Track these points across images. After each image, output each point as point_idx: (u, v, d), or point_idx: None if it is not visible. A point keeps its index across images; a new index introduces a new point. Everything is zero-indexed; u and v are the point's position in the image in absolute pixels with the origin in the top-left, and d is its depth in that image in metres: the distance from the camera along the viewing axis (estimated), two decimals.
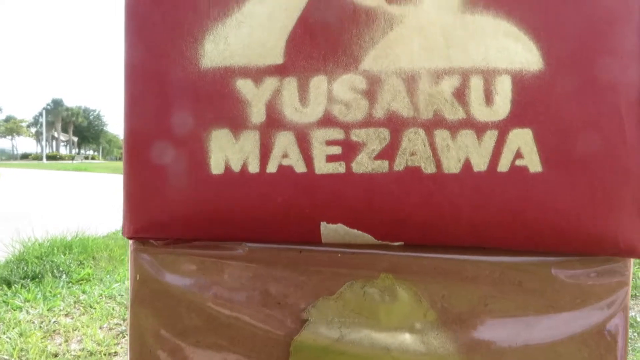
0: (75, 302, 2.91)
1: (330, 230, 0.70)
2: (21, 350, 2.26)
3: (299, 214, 0.70)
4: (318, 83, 0.69)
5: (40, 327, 2.53)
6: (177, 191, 0.71)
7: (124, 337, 2.45)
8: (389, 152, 0.68)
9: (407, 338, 0.72)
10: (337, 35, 0.69)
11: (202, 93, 0.70)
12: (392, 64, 0.68)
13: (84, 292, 3.08)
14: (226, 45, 0.69)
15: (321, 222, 0.70)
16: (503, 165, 0.68)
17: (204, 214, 0.71)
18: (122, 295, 3.01)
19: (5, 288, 3.07)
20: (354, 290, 0.73)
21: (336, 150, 0.69)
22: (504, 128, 0.67)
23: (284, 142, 0.69)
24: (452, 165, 0.68)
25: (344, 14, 0.68)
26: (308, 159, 0.69)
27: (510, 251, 0.72)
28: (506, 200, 0.68)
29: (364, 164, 0.69)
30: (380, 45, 0.68)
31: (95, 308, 2.82)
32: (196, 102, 0.70)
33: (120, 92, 0.73)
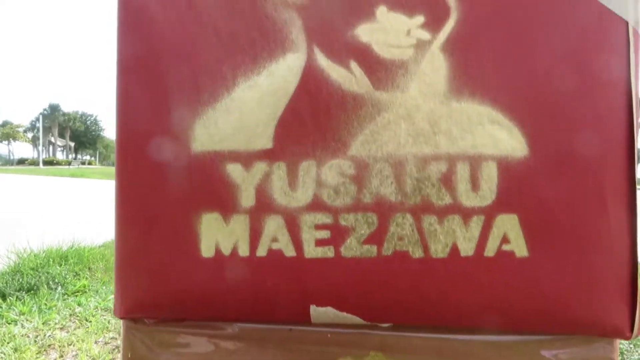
0: (70, 315, 2.89)
1: (319, 312, 0.71)
2: None
3: (288, 297, 0.71)
4: (307, 168, 0.70)
5: (35, 341, 2.52)
6: (169, 273, 0.72)
7: (119, 351, 2.44)
8: (377, 237, 0.69)
9: None
10: (326, 121, 0.69)
11: (193, 177, 0.70)
12: (380, 149, 0.69)
13: (79, 304, 3.05)
14: (216, 129, 0.70)
15: (310, 305, 0.70)
16: (490, 250, 0.69)
17: (195, 295, 0.72)
18: None
19: (0, 300, 3.05)
20: None
21: (325, 234, 0.70)
22: (490, 213, 0.68)
23: (273, 226, 0.70)
24: (439, 249, 0.69)
25: (332, 100, 0.69)
26: (297, 243, 0.70)
27: (499, 330, 0.73)
28: (493, 285, 0.69)
29: (352, 248, 0.70)
30: (368, 131, 0.69)
31: (90, 321, 2.80)
32: (187, 185, 0.71)
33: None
